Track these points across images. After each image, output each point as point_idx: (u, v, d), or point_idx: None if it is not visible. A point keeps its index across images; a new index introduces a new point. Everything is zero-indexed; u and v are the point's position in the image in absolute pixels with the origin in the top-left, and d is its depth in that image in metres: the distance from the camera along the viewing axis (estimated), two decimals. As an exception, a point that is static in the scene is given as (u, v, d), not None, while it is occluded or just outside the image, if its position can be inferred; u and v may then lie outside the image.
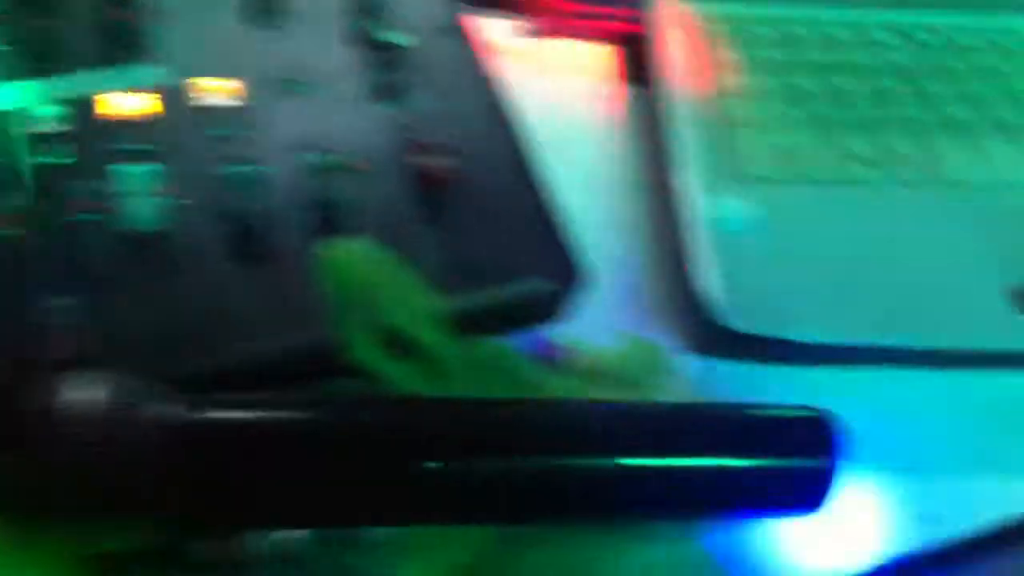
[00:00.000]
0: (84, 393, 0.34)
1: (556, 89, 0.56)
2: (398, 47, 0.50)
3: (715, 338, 0.46)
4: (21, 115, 0.44)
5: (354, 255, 0.41)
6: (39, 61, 0.46)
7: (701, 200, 0.48)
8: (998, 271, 0.47)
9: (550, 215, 0.46)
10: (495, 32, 0.58)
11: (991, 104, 0.53)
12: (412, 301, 0.41)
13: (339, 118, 0.47)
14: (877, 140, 0.51)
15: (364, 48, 0.50)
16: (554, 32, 0.59)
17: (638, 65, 0.56)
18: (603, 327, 0.46)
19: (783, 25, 0.56)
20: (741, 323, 0.45)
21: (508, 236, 0.46)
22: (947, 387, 0.46)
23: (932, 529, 0.43)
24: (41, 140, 0.44)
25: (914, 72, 0.54)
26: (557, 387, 0.44)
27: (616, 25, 0.59)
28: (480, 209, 0.46)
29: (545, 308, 0.46)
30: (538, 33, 0.59)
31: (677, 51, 0.55)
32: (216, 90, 0.47)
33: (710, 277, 0.46)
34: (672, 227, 0.49)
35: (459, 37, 0.52)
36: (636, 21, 0.57)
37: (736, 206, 0.48)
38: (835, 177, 0.50)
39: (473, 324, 0.44)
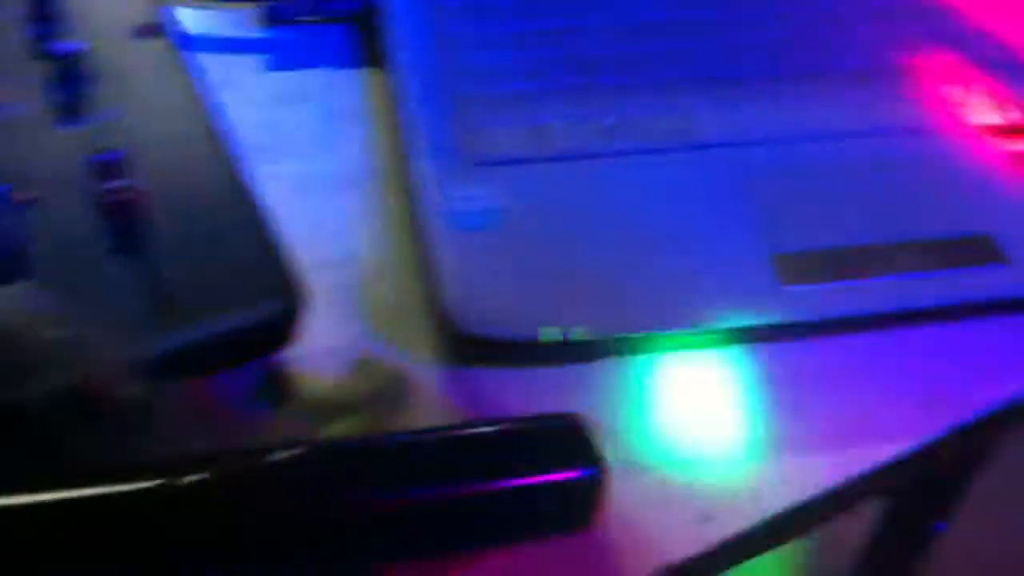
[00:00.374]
0: None
1: (282, 82, 0.51)
2: (79, 55, 0.44)
3: (461, 346, 0.42)
4: None
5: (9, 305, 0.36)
6: None
7: (436, 193, 0.44)
8: (766, 238, 0.44)
9: (267, 231, 0.41)
10: (208, 25, 0.53)
11: (746, 56, 0.50)
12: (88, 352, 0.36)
13: (13, 143, 0.42)
14: (626, 107, 0.47)
15: (41, 60, 0.44)
16: (280, 19, 0.53)
17: (373, 47, 0.52)
18: (337, 349, 0.41)
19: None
20: (485, 328, 0.41)
21: (220, 260, 0.41)
22: (716, 368, 0.42)
23: (710, 528, 0.39)
24: None
25: (663, 29, 0.50)
26: (286, 426, 0.39)
27: (349, 5, 0.54)
28: (184, 233, 0.41)
29: (270, 335, 0.41)
30: (263, 22, 0.54)
31: (408, 28, 0.50)
32: None
33: (448, 278, 0.42)
34: (411, 226, 0.45)
35: (160, 37, 0.47)
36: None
37: (474, 196, 0.43)
38: (582, 151, 0.46)
39: (185, 364, 0.39)
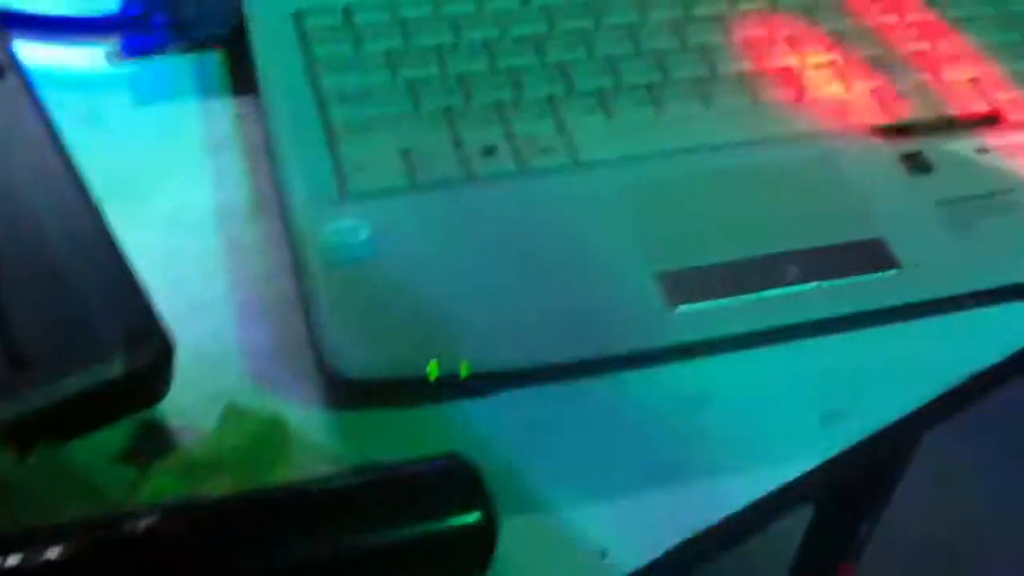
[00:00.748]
0: None
1: (151, 115, 0.49)
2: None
3: (342, 388, 0.40)
4: None
5: None
6: None
7: (309, 226, 0.42)
8: (651, 258, 0.42)
9: (129, 277, 0.39)
10: (66, 60, 0.50)
11: (624, 68, 0.48)
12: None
13: None
14: (504, 126, 0.46)
15: None
16: (138, 52, 0.51)
17: (244, 73, 0.49)
18: (210, 400, 0.39)
19: (393, 10, 0.49)
20: (365, 368, 0.39)
21: (78, 311, 0.38)
22: (606, 396, 0.41)
23: (607, 566, 0.37)
24: None
25: (540, 42, 0.49)
26: (153, 488, 0.37)
27: (214, 31, 0.51)
28: (37, 283, 0.38)
29: (136, 389, 0.39)
30: (126, 55, 0.51)
31: (276, 53, 0.48)
32: None
33: (323, 317, 0.40)
34: (287, 263, 0.43)
35: (6, 77, 0.44)
36: (237, 25, 0.50)
37: (346, 228, 0.41)
38: (459, 176, 0.44)
39: (44, 428, 0.36)
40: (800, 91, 0.48)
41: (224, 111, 0.49)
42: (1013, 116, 0.48)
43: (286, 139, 0.45)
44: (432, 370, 0.39)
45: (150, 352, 0.38)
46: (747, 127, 0.46)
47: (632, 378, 0.41)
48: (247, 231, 0.44)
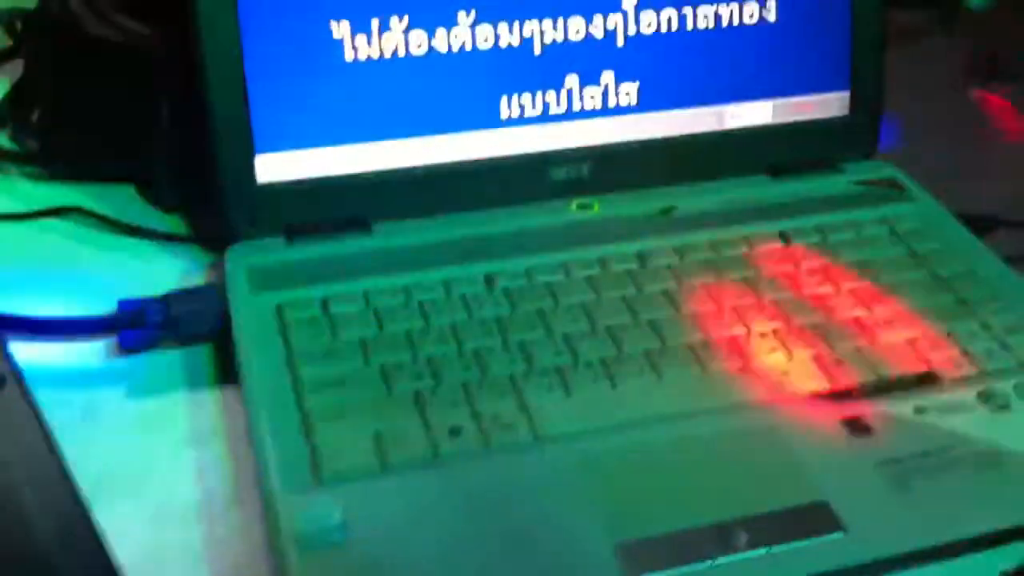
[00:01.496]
0: None
1: (141, 408, 0.52)
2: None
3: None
4: None
5: None
6: None
7: (284, 513, 0.44)
8: (609, 528, 0.44)
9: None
10: (63, 355, 0.54)
11: (581, 345, 0.52)
12: None
13: None
14: (470, 406, 0.49)
15: None
16: (134, 346, 0.55)
17: (230, 366, 0.53)
18: None
19: (368, 299, 0.54)
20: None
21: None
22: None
23: None
24: None
25: (503, 324, 0.53)
26: None
27: (203, 327, 0.56)
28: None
29: None
30: (122, 350, 0.55)
31: (256, 345, 0.52)
32: None
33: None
34: (265, 551, 0.45)
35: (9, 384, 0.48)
36: (225, 319, 0.54)
37: (320, 515, 0.44)
38: (428, 457, 0.47)
39: None
40: (745, 360, 0.52)
41: (210, 402, 0.52)
42: (949, 375, 0.52)
43: (264, 427, 0.48)
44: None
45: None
46: (696, 397, 0.50)
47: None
48: (228, 521, 0.47)
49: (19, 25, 0.74)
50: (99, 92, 0.67)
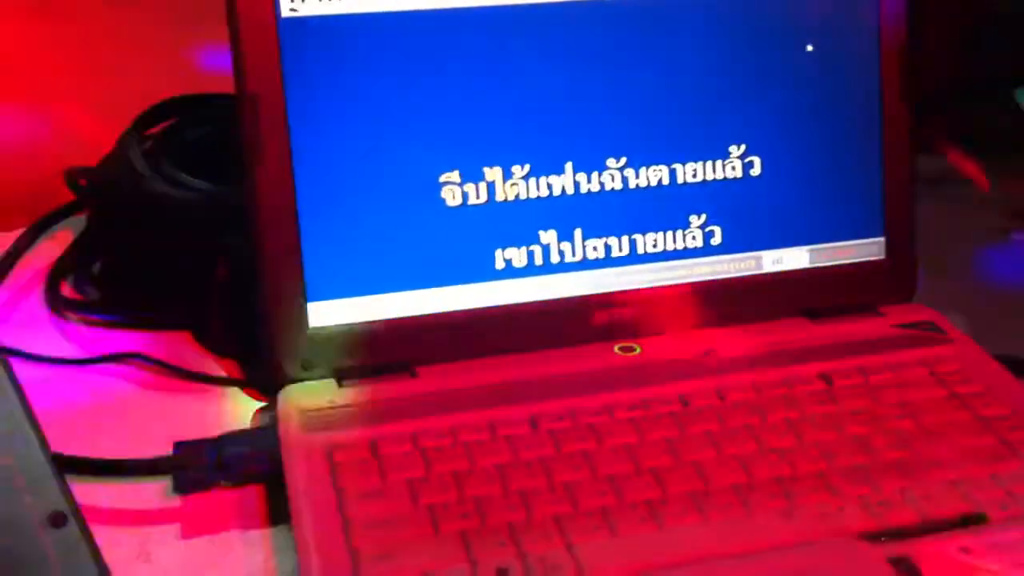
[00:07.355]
0: None
1: (195, 549, 0.53)
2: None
3: None
4: None
5: None
6: None
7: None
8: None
9: None
10: (121, 495, 0.55)
11: (625, 485, 0.52)
12: None
13: None
14: (517, 546, 0.49)
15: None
16: (190, 487, 0.56)
17: (282, 506, 0.54)
18: None
19: (415, 441, 0.55)
20: None
21: None
22: None
23: None
24: None
25: (547, 464, 0.54)
26: None
27: (255, 468, 0.57)
28: None
29: None
30: (177, 491, 0.56)
31: (308, 486, 0.53)
32: None
33: None
34: None
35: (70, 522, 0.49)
36: (277, 461, 0.56)
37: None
38: (476, 597, 0.47)
39: None
40: (791, 500, 0.52)
41: (261, 542, 0.53)
42: (995, 515, 0.52)
43: (315, 566, 0.48)
44: None
45: None
46: (742, 538, 0.50)
47: None
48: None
49: (82, 181, 0.78)
50: (158, 245, 0.70)
